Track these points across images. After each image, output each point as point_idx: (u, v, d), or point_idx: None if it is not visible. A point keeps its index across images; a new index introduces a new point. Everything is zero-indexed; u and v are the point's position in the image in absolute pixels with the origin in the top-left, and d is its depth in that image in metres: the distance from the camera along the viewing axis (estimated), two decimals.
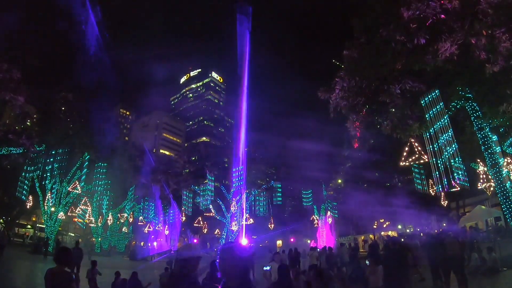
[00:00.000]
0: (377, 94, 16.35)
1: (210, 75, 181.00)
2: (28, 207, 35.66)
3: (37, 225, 48.14)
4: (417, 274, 13.44)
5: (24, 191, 30.01)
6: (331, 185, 49.87)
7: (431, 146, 15.55)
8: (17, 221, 44.25)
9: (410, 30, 13.64)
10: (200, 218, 46.46)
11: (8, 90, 21.89)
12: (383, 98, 15.94)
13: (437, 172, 15.23)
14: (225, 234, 38.32)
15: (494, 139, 15.24)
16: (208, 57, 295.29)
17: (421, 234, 32.03)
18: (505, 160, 16.83)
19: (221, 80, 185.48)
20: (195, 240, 48.13)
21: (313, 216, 43.00)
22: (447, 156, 14.61)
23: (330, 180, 49.94)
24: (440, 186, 15.73)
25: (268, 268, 14.45)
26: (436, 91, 14.46)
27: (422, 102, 14.90)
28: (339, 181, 53.28)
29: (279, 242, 58.35)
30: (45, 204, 32.68)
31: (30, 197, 33.41)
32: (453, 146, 14.46)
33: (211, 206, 38.19)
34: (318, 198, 42.32)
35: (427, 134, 15.78)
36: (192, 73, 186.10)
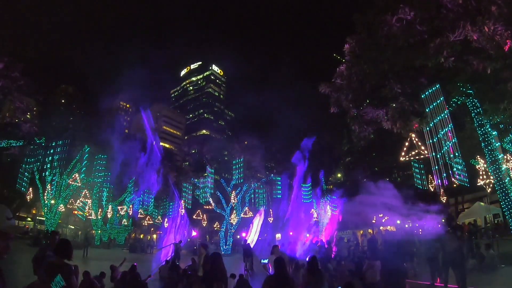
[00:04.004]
0: (378, 89, 16.34)
1: (210, 68, 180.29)
2: (28, 199, 35.73)
3: (37, 217, 48.24)
4: (412, 270, 13.50)
5: (24, 184, 30.08)
6: (331, 179, 49.99)
7: (431, 141, 15.51)
8: (17, 214, 44.36)
9: (411, 26, 13.59)
10: (199, 211, 46.59)
11: (9, 83, 21.97)
12: (384, 93, 15.93)
13: (436, 167, 15.21)
14: (224, 227, 38.50)
15: (494, 134, 15.24)
16: (209, 50, 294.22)
17: (420, 230, 32.16)
18: (505, 157, 16.83)
19: (222, 73, 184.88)
20: (194, 233, 48.32)
21: (312, 209, 43.08)
22: (447, 152, 14.60)
23: (330, 174, 50.02)
24: (439, 181, 15.73)
25: (266, 261, 14.54)
26: (437, 87, 14.42)
27: (422, 97, 14.86)
28: (339, 175, 53.43)
29: (278, 236, 58.49)
30: (45, 196, 32.76)
31: (30, 190, 33.48)
32: (453, 142, 14.44)
33: (210, 199, 38.31)
34: (317, 192, 42.35)
35: (427, 129, 15.75)
36: (192, 66, 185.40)
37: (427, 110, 14.79)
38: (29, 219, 50.72)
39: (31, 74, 25.41)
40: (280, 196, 39.27)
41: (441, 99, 14.31)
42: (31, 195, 34.79)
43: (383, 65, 15.58)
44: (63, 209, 34.82)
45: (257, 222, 31.60)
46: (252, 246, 23.87)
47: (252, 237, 30.36)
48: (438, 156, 14.75)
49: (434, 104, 14.49)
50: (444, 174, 14.87)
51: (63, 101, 43.67)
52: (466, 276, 10.58)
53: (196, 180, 40.06)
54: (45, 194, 32.79)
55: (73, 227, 52.70)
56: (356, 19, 16.75)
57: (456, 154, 14.48)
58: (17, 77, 22.59)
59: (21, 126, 25.67)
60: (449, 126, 14.44)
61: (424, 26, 13.24)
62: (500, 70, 12.20)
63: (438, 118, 14.53)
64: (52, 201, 32.98)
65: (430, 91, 14.58)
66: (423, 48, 13.53)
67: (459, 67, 13.66)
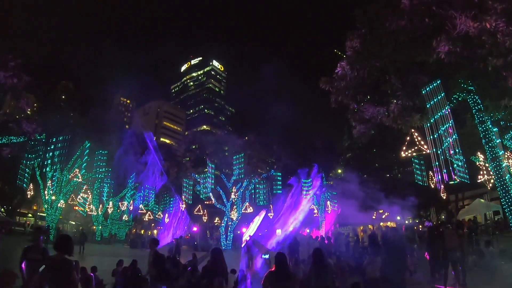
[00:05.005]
0: (379, 85, 16.29)
1: (211, 63, 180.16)
2: (29, 196, 35.78)
3: (38, 213, 48.31)
4: (412, 266, 13.54)
5: (24, 180, 30.06)
6: (331, 175, 50.02)
7: (431, 137, 15.46)
8: (18, 210, 44.48)
9: (413, 21, 13.54)
10: (200, 206, 46.64)
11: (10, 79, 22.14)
12: (385, 88, 15.88)
13: (437, 163, 15.16)
14: (224, 222, 38.60)
15: (495, 131, 15.21)
16: (209, 45, 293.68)
17: (420, 226, 32.15)
18: (505, 154, 16.80)
19: (222, 69, 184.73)
20: (195, 228, 48.43)
21: (313, 205, 43.15)
22: (447, 149, 14.58)
23: (330, 170, 50.05)
24: (440, 178, 15.70)
25: (267, 256, 14.60)
26: (438, 83, 14.36)
27: (423, 93, 14.80)
28: (339, 171, 53.45)
29: (278, 231, 58.50)
30: (45, 192, 32.77)
31: (31, 186, 33.49)
32: (454, 138, 14.40)
33: (211, 194, 38.37)
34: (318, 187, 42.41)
35: (428, 125, 15.70)
36: (193, 62, 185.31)
37: (428, 106, 14.73)
38: (30, 215, 50.83)
39: (31, 70, 25.44)
40: (280, 191, 39.34)
41: (442, 94, 14.25)
42: (32, 191, 34.82)
43: (384, 61, 15.53)
44: (64, 205, 34.87)
45: (257, 220, 31.79)
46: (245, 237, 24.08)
47: (251, 229, 30.51)
48: (439, 152, 14.73)
49: (435, 99, 14.42)
50: (445, 171, 14.86)
51: (63, 97, 43.49)
52: (465, 273, 10.63)
53: (196, 175, 40.08)
54: (46, 190, 32.80)
55: (74, 223, 52.85)
56: (357, 14, 16.68)
57: (457, 150, 14.45)
58: (18, 74, 22.74)
59: (21, 122, 25.67)
60: (450, 122, 14.39)
61: (425, 22, 13.18)
62: (501, 67, 12.13)
63: (439, 114, 14.49)
64: (53, 197, 33.00)
65: (431, 87, 14.52)
66: (424, 44, 13.48)
67: (460, 63, 13.61)
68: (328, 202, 41.21)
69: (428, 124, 15.38)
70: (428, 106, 14.68)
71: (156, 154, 37.96)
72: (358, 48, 16.56)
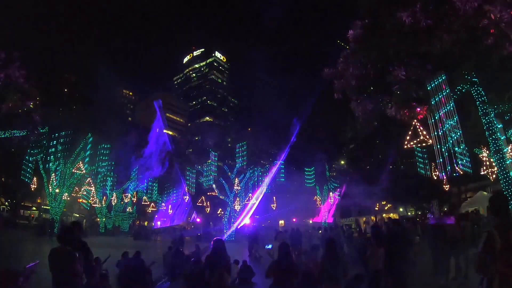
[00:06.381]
0: (382, 76, 16.18)
1: (213, 54, 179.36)
2: (32, 189, 35.97)
3: (42, 206, 48.65)
4: (414, 258, 13.52)
5: (28, 174, 30.27)
6: (334, 166, 50.08)
7: (434, 127, 15.36)
8: (22, 203, 44.78)
9: (417, 11, 13.37)
10: (203, 197, 46.84)
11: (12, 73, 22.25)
12: (388, 79, 15.78)
13: (440, 159, 15.09)
14: (227, 213, 38.80)
15: (499, 126, 15.10)
16: (212, 37, 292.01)
17: (423, 218, 32.04)
18: (509, 147, 16.68)
19: (225, 60, 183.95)
20: (198, 219, 48.69)
21: (316, 196, 43.29)
22: (451, 141, 14.48)
23: (333, 161, 50.09)
24: (442, 170, 15.64)
25: (270, 246, 14.73)
26: (442, 74, 14.22)
27: (427, 85, 14.68)
28: (342, 162, 53.50)
29: (281, 222, 58.91)
30: (49, 185, 32.94)
31: (35, 179, 33.70)
32: (457, 130, 14.30)
33: (214, 186, 38.48)
34: (321, 178, 42.51)
35: (431, 117, 15.59)
36: (195, 53, 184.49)
37: (431, 99, 14.62)
38: (34, 208, 51.21)
39: (33, 65, 25.47)
40: (283, 180, 39.42)
41: (443, 78, 14.07)
42: (36, 185, 35.00)
43: (387, 51, 15.42)
44: (68, 198, 35.08)
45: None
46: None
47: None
48: (442, 143, 14.66)
49: (437, 88, 14.30)
50: (448, 164, 14.80)
51: (66, 90, 43.62)
52: (467, 266, 10.64)
53: (199, 166, 40.17)
54: (50, 183, 32.97)
55: (78, 215, 53.28)
56: (361, 4, 16.53)
57: (460, 140, 14.34)
58: (20, 67, 22.86)
59: (24, 116, 25.76)
60: (451, 105, 14.24)
61: (429, 13, 13.02)
62: (506, 59, 12.00)
63: (440, 102, 14.38)
64: (57, 190, 33.20)
65: (434, 79, 14.39)
66: (428, 35, 13.35)
67: (464, 54, 13.47)
68: (331, 193, 41.36)
69: (432, 120, 15.28)
70: (431, 98, 14.56)
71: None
72: (362, 38, 16.44)
